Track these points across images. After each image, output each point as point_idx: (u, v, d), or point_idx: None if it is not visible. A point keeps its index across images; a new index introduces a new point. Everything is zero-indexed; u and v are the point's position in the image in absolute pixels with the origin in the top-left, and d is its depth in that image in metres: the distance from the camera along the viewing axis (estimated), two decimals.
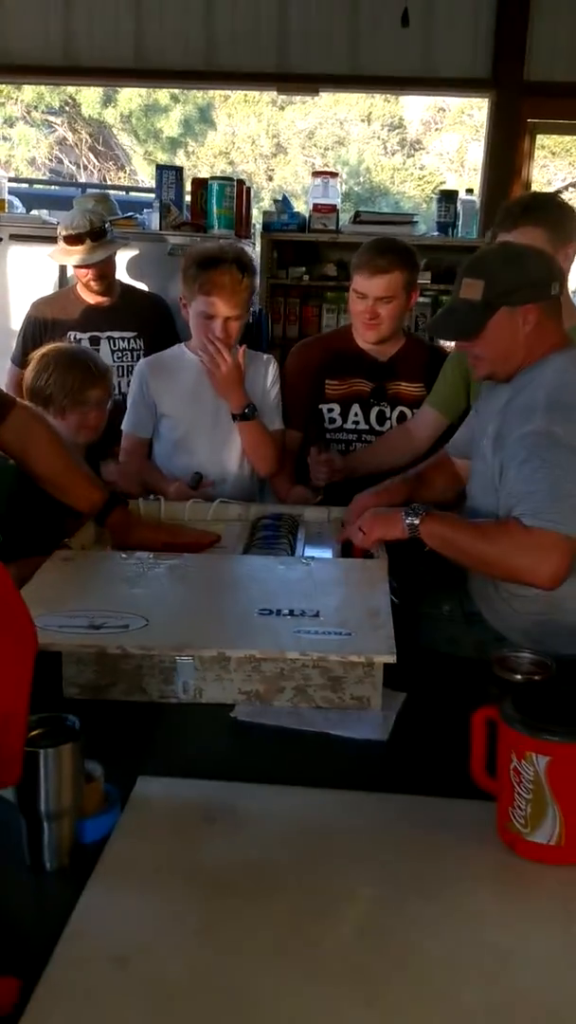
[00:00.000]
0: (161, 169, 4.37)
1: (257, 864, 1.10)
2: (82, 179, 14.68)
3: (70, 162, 15.07)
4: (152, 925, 0.99)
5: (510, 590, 1.73)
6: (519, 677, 1.29)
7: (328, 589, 1.54)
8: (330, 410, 2.54)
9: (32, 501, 1.78)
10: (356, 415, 2.54)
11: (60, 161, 15.03)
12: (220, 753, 1.37)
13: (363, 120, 15.80)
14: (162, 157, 15.21)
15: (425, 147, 15.92)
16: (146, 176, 15.00)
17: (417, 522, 1.69)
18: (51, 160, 14.99)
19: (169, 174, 4.29)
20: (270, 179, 16.33)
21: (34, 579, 1.51)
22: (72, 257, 3.21)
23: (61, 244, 3.24)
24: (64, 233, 3.23)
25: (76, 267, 3.25)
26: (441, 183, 14.51)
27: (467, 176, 13.52)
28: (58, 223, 3.42)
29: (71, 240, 3.19)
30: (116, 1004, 0.89)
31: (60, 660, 1.43)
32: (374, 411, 2.53)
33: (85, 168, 15.01)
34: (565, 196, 12.74)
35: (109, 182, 14.87)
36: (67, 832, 1.08)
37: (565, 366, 1.69)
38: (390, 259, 2.38)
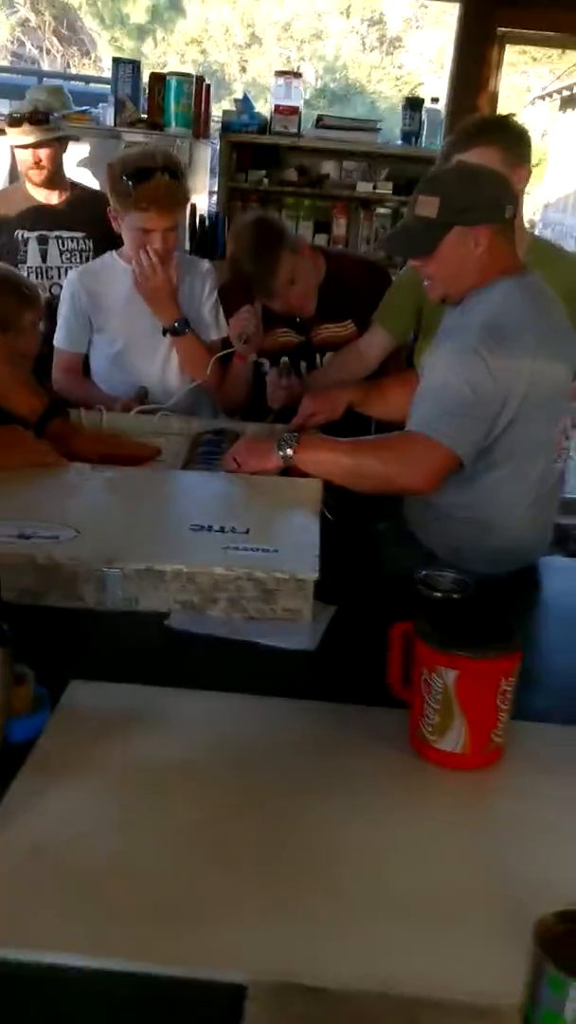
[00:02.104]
0: (118, 62, 4.21)
1: (180, 764, 1.15)
2: (45, 64, 14.02)
3: (33, 46, 14.36)
4: (73, 818, 1.04)
5: (444, 511, 1.77)
6: (438, 595, 1.34)
7: (261, 507, 1.58)
8: (260, 364, 2.47)
9: None
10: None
11: (23, 44, 14.33)
12: (153, 659, 1.41)
13: (342, 13, 15.20)
14: (129, 44, 14.52)
15: (404, 46, 15.39)
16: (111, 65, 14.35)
17: (291, 453, 1.69)
18: (12, 43, 14.27)
19: (126, 68, 4.14)
20: (243, 71, 15.72)
21: None
22: (10, 139, 3.11)
23: (6, 127, 3.14)
24: (6, 117, 3.13)
25: (15, 149, 3.15)
26: (419, 84, 14.04)
27: (446, 79, 13.16)
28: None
29: (11, 123, 3.09)
30: (34, 888, 0.94)
31: None
32: (303, 362, 2.48)
33: (48, 53, 14.33)
34: (543, 104, 12.49)
35: (72, 69, 14.22)
36: None
37: (511, 291, 1.70)
38: (265, 261, 2.27)
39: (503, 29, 4.88)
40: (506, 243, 1.74)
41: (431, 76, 14.14)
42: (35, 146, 3.09)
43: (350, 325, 2.46)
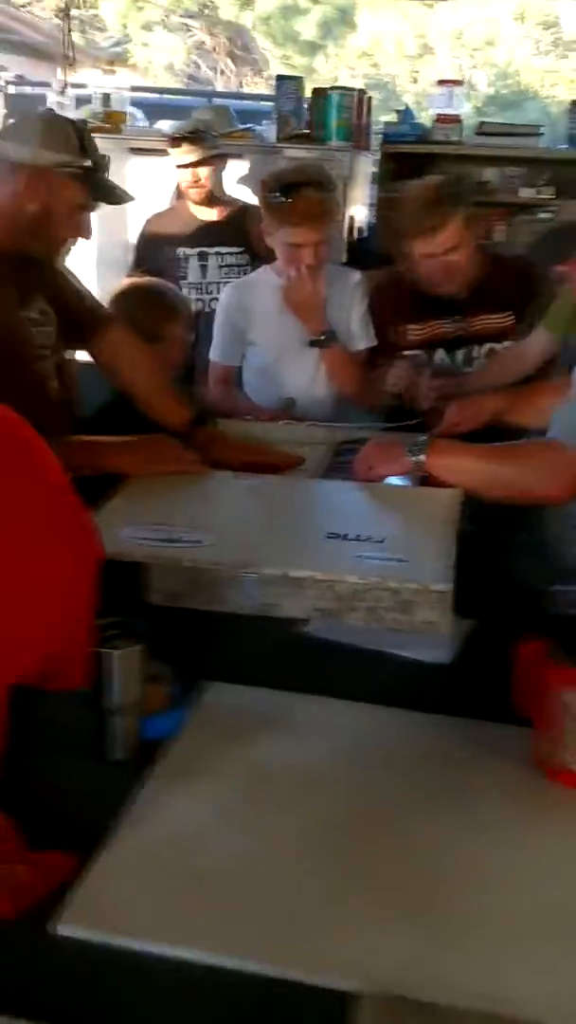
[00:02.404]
0: (281, 79, 4.30)
1: (307, 771, 1.17)
2: (219, 85, 14.48)
3: (208, 67, 14.86)
4: (201, 818, 1.07)
5: None
6: (573, 612, 1.29)
7: (398, 517, 1.57)
8: (414, 357, 2.43)
9: (123, 414, 1.85)
10: (442, 359, 2.43)
11: (198, 66, 14.85)
12: (289, 665, 1.44)
13: (516, 19, 14.89)
14: (300, 61, 14.78)
15: None
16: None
17: (423, 459, 1.62)
18: (188, 66, 14.82)
19: (288, 84, 4.22)
20: (414, 81, 15.68)
21: (120, 492, 1.59)
22: (172, 158, 3.24)
23: (169, 149, 3.27)
24: (169, 136, 3.26)
25: (177, 168, 3.26)
26: None
27: None
28: None
29: (172, 142, 3.22)
30: (162, 884, 0.97)
31: (144, 568, 1.52)
32: (460, 353, 2.42)
33: (222, 73, 14.79)
34: None
35: (245, 88, 14.63)
36: (131, 727, 1.17)
37: None
38: (439, 214, 2.21)
39: None
40: None
41: None
42: (193, 165, 3.20)
43: (510, 317, 2.39)
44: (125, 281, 2.44)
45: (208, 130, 3.29)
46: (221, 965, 0.88)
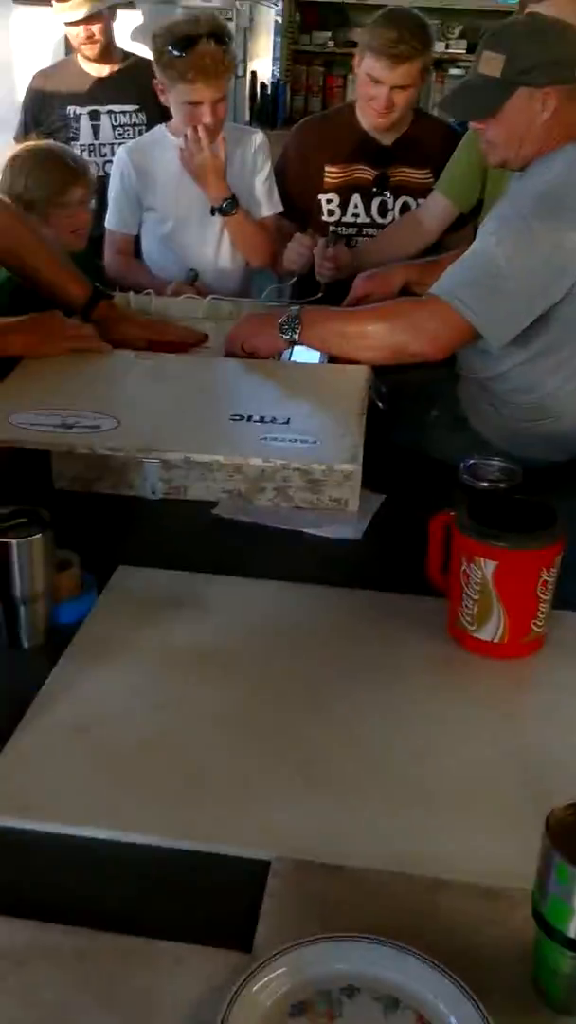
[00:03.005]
0: None
1: (219, 649, 1.18)
2: None
3: None
4: (112, 699, 1.08)
5: (498, 395, 1.72)
6: (484, 485, 1.31)
7: (304, 396, 1.55)
8: (328, 200, 2.42)
9: (20, 298, 1.76)
10: (356, 206, 2.42)
11: None
12: (200, 547, 1.43)
13: None
14: None
15: None
16: None
17: (296, 336, 1.62)
18: None
19: None
20: None
21: (13, 374, 1.53)
22: (61, 15, 3.00)
23: (54, 3, 3.02)
24: None
25: (67, 25, 3.04)
26: None
27: None
28: None
29: None
30: (74, 765, 0.98)
31: (47, 453, 1.48)
32: (375, 201, 2.41)
33: None
34: None
35: None
36: (41, 614, 1.16)
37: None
38: (412, 46, 2.19)
39: None
40: None
41: None
42: (84, 22, 2.97)
43: (428, 175, 2.38)
44: (18, 146, 2.28)
45: None
46: (135, 842, 0.90)
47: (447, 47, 4.30)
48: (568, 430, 1.71)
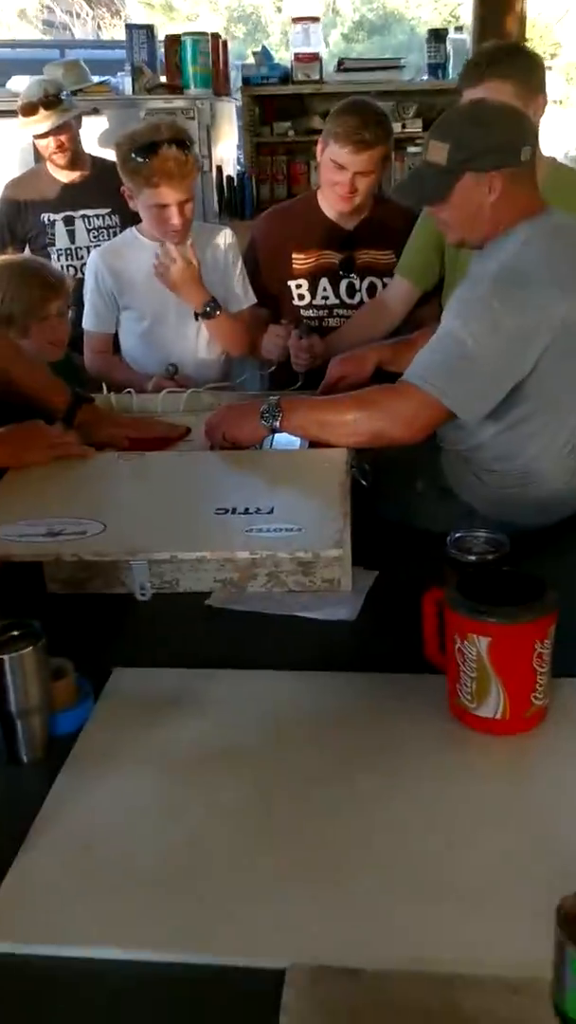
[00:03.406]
0: (131, 29, 4.15)
1: (222, 747, 1.16)
2: (76, 28, 13.92)
3: (63, 11, 14.20)
4: (117, 810, 1.06)
5: (481, 465, 1.74)
6: (472, 558, 1.32)
7: (286, 482, 1.56)
8: (298, 286, 2.48)
9: (4, 415, 1.78)
10: (325, 289, 2.48)
11: (52, 11, 14.18)
12: (195, 640, 1.43)
13: None
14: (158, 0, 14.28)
15: None
16: (144, 19, 14.19)
17: (277, 424, 1.65)
18: (42, 11, 14.15)
19: (140, 33, 4.08)
20: (279, 11, 15.33)
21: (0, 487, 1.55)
22: (28, 128, 3.10)
23: (19, 117, 3.13)
24: (20, 104, 3.11)
25: (36, 138, 3.14)
26: (458, 4, 13.46)
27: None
28: None
29: (25, 110, 3.07)
30: (80, 885, 0.96)
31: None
32: (343, 283, 2.47)
33: (78, 16, 14.16)
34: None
35: (103, 31, 14.08)
36: (39, 727, 1.15)
37: (529, 236, 1.63)
38: (375, 133, 2.27)
39: None
40: (524, 186, 1.66)
41: None
42: (52, 133, 3.07)
43: (392, 255, 2.43)
44: None
45: (61, 90, 3.14)
46: (146, 960, 0.87)
47: (403, 127, 4.44)
48: (552, 495, 1.72)
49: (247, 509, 1.41)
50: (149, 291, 2.32)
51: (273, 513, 1.40)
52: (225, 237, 2.40)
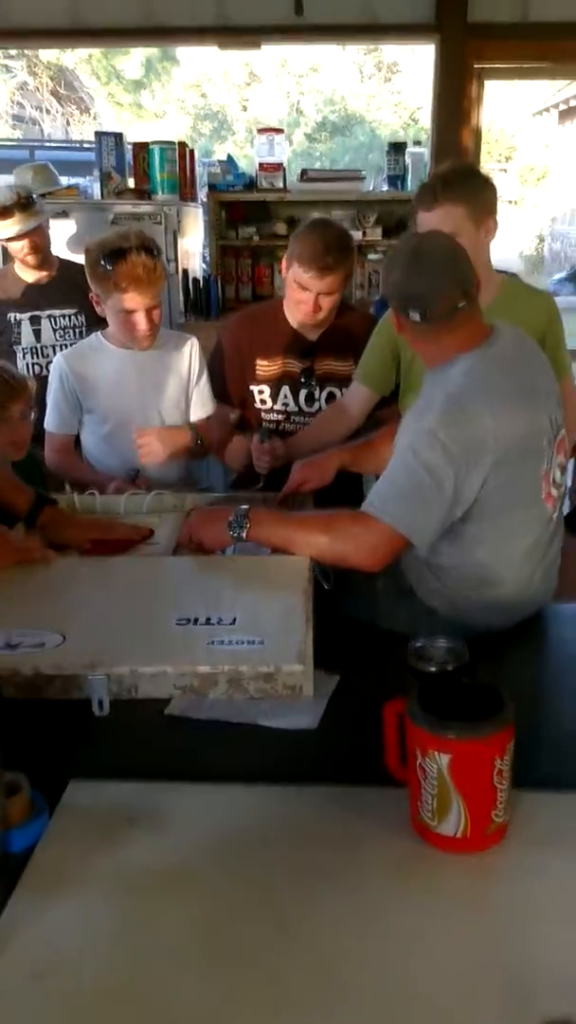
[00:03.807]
0: (100, 136, 4.29)
1: (179, 866, 1.14)
2: (45, 124, 14.37)
3: (32, 107, 14.68)
4: (71, 935, 1.03)
5: (440, 566, 1.76)
6: (432, 668, 1.32)
7: (247, 591, 1.57)
8: (260, 391, 2.55)
9: None
10: (286, 396, 2.55)
11: (22, 107, 14.65)
12: (153, 750, 1.41)
13: (338, 44, 15.53)
14: (126, 98, 14.84)
15: (401, 69, 15.55)
16: (112, 118, 14.71)
17: (244, 535, 1.70)
18: (12, 106, 14.62)
19: (108, 140, 4.22)
20: (244, 110, 15.98)
21: None
22: (2, 231, 3.17)
23: None
24: None
25: (7, 241, 3.20)
26: (417, 108, 14.17)
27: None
28: None
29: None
30: (31, 1019, 0.92)
31: None
32: (303, 392, 2.54)
33: (48, 112, 14.64)
34: (544, 117, 12.36)
35: (72, 127, 14.54)
36: None
37: (470, 368, 1.69)
38: (337, 258, 2.36)
39: (480, 65, 4.92)
40: (464, 324, 1.71)
41: (430, 97, 14.32)
42: (28, 235, 3.14)
43: (351, 364, 2.50)
44: None
45: (32, 194, 3.23)
46: None
47: (364, 234, 4.61)
48: (509, 597, 1.74)
49: (209, 619, 1.41)
50: (112, 396, 2.35)
51: (235, 624, 1.39)
52: (191, 346, 2.46)
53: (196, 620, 1.41)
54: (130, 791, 1.29)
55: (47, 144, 10.64)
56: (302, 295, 2.41)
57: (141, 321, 2.24)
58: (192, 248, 4.57)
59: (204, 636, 1.37)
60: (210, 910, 1.07)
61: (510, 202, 16.64)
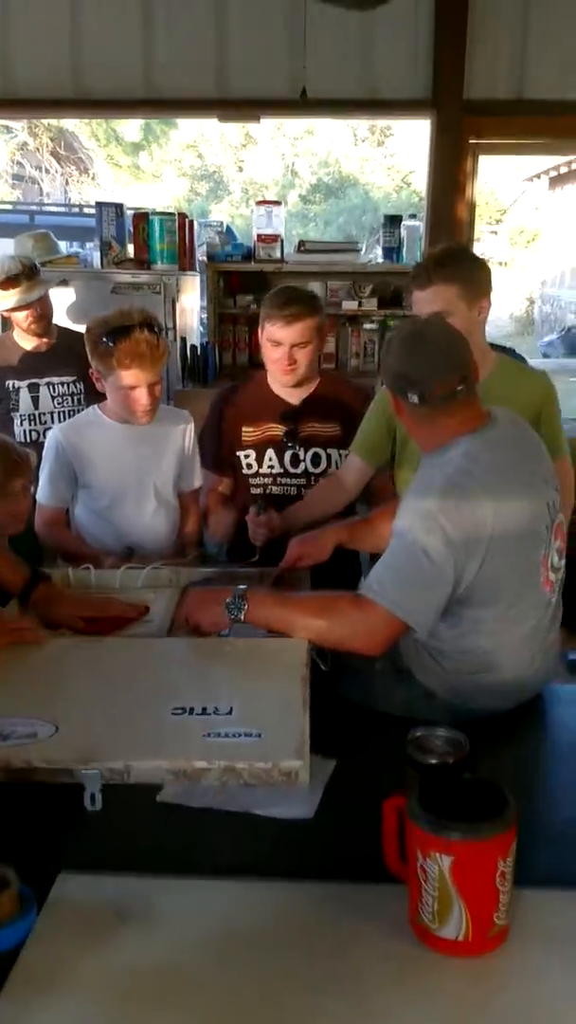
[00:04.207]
0: (101, 206, 4.36)
1: (171, 967, 1.10)
2: (45, 183, 14.61)
3: (32, 167, 14.94)
4: None
5: (439, 649, 1.74)
6: (432, 760, 1.30)
7: (246, 675, 1.54)
8: (247, 456, 2.58)
9: None
10: (271, 459, 2.57)
11: (22, 167, 14.92)
12: (145, 841, 1.37)
13: (336, 119, 15.98)
14: (125, 160, 15.16)
15: (393, 132, 15.92)
16: (111, 178, 14.99)
17: (242, 617, 1.68)
18: (12, 166, 14.89)
19: (109, 210, 4.29)
20: (240, 170, 16.29)
21: None
22: (7, 301, 3.20)
23: None
24: None
25: (13, 310, 3.23)
26: (410, 172, 14.47)
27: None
28: None
29: (5, 284, 3.17)
30: None
31: None
32: (287, 454, 2.57)
33: (47, 172, 14.90)
34: (535, 183, 12.56)
35: (71, 187, 14.80)
36: None
37: (469, 450, 1.69)
38: (299, 307, 2.43)
39: (475, 140, 5.04)
40: (462, 408, 1.72)
41: (422, 161, 14.72)
42: (34, 304, 3.17)
43: (335, 428, 2.54)
44: None
45: (33, 263, 3.27)
46: None
47: (360, 304, 4.68)
48: (508, 681, 1.73)
49: (205, 709, 1.38)
50: (108, 471, 2.36)
51: (232, 714, 1.37)
52: (187, 423, 2.50)
53: (192, 710, 1.39)
54: (122, 885, 1.25)
55: (46, 209, 10.81)
56: (276, 351, 2.46)
57: (142, 397, 2.25)
58: (190, 314, 4.62)
59: (200, 728, 1.34)
60: (203, 1013, 1.03)
61: (500, 263, 16.92)
